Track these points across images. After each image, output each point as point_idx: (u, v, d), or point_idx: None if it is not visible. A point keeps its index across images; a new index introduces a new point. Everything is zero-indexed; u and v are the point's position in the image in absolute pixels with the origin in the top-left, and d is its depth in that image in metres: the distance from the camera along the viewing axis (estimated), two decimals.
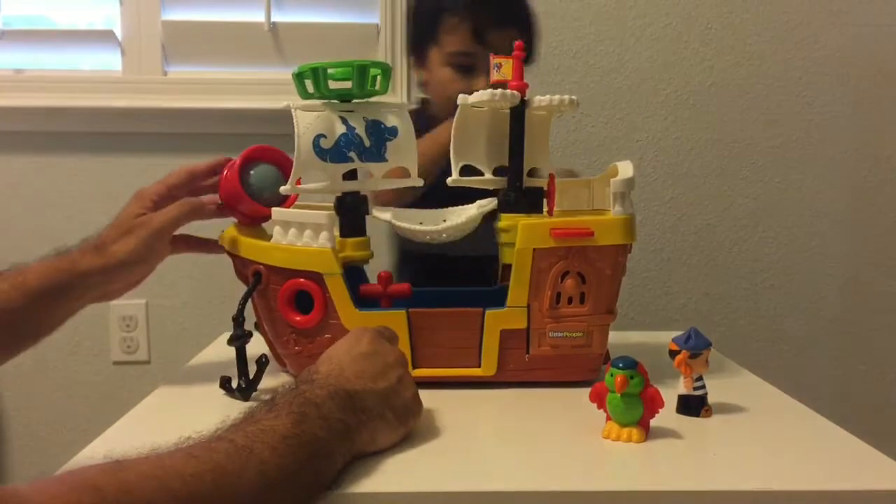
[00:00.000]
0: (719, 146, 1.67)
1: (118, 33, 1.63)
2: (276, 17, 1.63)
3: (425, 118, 1.14)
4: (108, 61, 1.65)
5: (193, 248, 0.95)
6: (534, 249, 0.85)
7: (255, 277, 0.88)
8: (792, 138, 1.67)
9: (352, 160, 0.90)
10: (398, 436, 0.69)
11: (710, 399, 0.79)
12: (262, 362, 0.86)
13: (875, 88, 1.64)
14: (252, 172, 0.91)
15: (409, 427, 0.71)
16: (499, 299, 0.87)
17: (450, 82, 1.14)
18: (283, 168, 0.92)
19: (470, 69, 1.13)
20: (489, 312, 0.86)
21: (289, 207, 0.91)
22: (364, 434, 0.65)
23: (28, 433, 1.68)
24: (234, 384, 0.85)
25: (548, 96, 0.92)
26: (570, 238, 0.86)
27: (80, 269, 0.84)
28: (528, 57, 0.98)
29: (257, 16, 1.63)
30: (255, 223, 0.93)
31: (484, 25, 1.12)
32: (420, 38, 1.20)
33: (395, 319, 0.85)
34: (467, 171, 0.94)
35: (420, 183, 0.96)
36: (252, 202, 0.90)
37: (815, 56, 1.64)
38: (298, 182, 0.88)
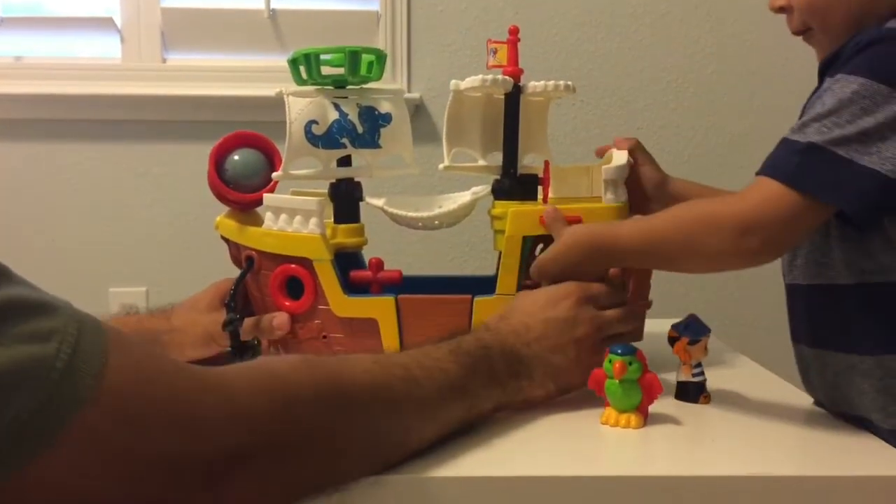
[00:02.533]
0: (720, 134, 1.66)
1: (117, 20, 1.64)
2: (276, 4, 1.63)
3: None
4: (107, 48, 1.65)
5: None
6: (523, 237, 0.85)
7: (248, 263, 0.89)
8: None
9: (344, 146, 0.90)
10: (549, 397, 0.74)
11: (709, 386, 0.79)
12: (254, 346, 0.87)
13: None
14: (227, 165, 0.91)
15: (563, 393, 0.75)
16: (491, 287, 0.87)
17: None
18: (261, 149, 0.92)
19: None
20: (478, 300, 0.86)
21: (274, 190, 0.91)
22: (518, 397, 0.72)
23: None
24: None
25: (542, 82, 0.92)
26: None
27: (144, 327, 0.87)
28: None
29: (257, 2, 1.63)
30: (247, 209, 0.93)
31: None
32: None
33: (384, 306, 0.85)
34: None
35: (415, 170, 0.95)
36: (235, 193, 0.90)
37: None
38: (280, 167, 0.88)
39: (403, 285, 0.88)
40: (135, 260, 1.66)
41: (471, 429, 0.68)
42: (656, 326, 0.97)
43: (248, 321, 0.87)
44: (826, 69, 0.77)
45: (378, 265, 0.89)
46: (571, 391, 0.75)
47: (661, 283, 1.66)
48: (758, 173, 0.72)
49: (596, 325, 0.76)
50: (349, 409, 0.56)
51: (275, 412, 0.51)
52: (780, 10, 0.85)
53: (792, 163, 0.69)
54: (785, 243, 0.74)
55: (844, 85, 0.70)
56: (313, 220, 0.85)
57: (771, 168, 0.71)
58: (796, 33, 0.86)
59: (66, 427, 0.42)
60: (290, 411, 0.52)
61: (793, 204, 0.68)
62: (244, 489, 0.49)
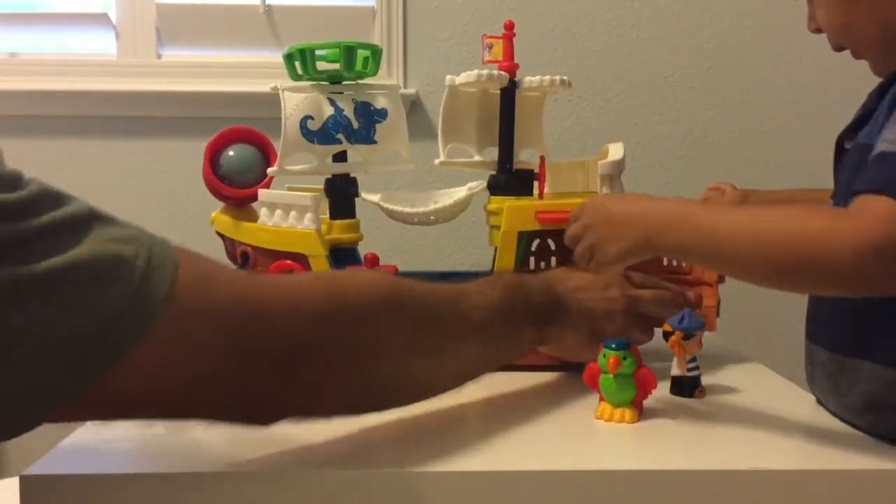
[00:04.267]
0: (718, 129, 1.66)
1: (112, 16, 1.63)
2: (271, 0, 1.62)
3: None
4: (102, 45, 1.64)
5: None
6: (519, 232, 0.85)
7: (243, 258, 0.89)
8: (791, 121, 1.66)
9: (340, 142, 0.90)
10: (584, 354, 0.75)
11: (704, 380, 0.79)
12: None
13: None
14: (223, 160, 0.91)
15: (590, 356, 0.75)
16: None
17: None
18: (257, 145, 0.92)
19: None
20: None
21: (269, 186, 0.91)
22: (552, 332, 0.74)
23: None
24: None
25: (538, 77, 0.91)
26: (556, 222, 0.85)
27: None
28: None
29: None
30: (242, 205, 0.93)
31: None
32: None
33: None
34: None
35: (411, 166, 0.95)
36: (230, 188, 0.90)
37: (817, 36, 1.63)
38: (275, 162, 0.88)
39: None
40: None
41: (518, 358, 0.74)
42: None
43: None
44: None
45: (374, 261, 0.89)
46: (593, 351, 0.73)
47: None
48: (862, 192, 0.64)
49: (626, 293, 0.80)
50: (401, 311, 0.60)
51: (333, 311, 0.56)
52: (817, 30, 0.82)
53: None
54: None
55: None
56: (308, 216, 0.85)
57: (883, 185, 0.63)
58: (837, 51, 0.82)
59: (153, 320, 0.46)
60: (348, 312, 0.56)
61: None
62: (309, 380, 0.55)
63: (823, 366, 0.75)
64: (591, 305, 0.77)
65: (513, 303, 0.69)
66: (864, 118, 0.77)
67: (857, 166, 0.72)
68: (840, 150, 0.80)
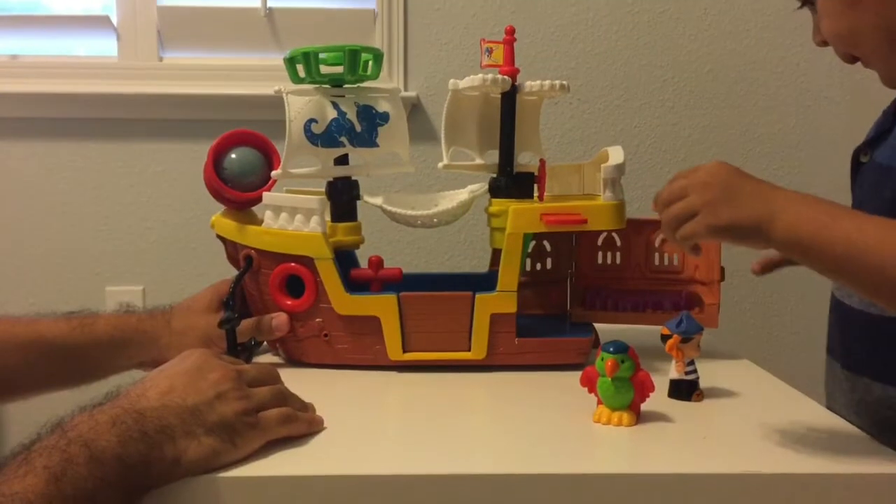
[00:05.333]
0: (716, 133, 1.67)
1: (114, 19, 1.63)
2: (272, 3, 1.63)
3: None
4: (103, 47, 1.65)
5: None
6: (524, 234, 0.86)
7: (247, 262, 0.89)
8: (789, 125, 1.67)
9: (343, 145, 0.90)
10: (225, 456, 0.60)
11: (702, 383, 0.79)
12: (251, 345, 0.87)
13: (872, 74, 1.63)
14: (226, 163, 0.91)
15: (243, 447, 0.62)
16: (489, 284, 0.88)
17: None
18: (259, 148, 0.92)
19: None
20: (479, 296, 0.86)
21: (271, 189, 0.91)
22: (161, 461, 0.57)
23: (28, 422, 1.68)
24: None
25: (538, 81, 0.92)
26: (563, 224, 0.86)
27: (144, 328, 0.88)
28: None
29: (253, 1, 1.63)
30: (244, 208, 0.93)
31: None
32: None
33: (386, 303, 0.86)
34: None
35: (411, 168, 0.96)
36: (233, 191, 0.90)
37: (812, 42, 1.63)
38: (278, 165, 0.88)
39: (403, 283, 0.89)
40: (131, 259, 1.65)
41: None
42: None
43: (246, 322, 0.87)
44: None
45: (378, 263, 0.89)
46: (244, 435, 0.62)
47: None
48: None
49: (228, 371, 0.65)
50: None
51: None
52: (823, 43, 0.80)
53: None
54: None
55: None
56: (314, 219, 0.86)
57: None
58: (848, 62, 0.80)
59: None
60: None
61: None
62: None
63: (840, 383, 0.75)
64: (194, 401, 0.61)
65: (64, 486, 0.51)
66: (881, 135, 0.76)
67: (875, 186, 0.72)
68: (856, 163, 0.80)
